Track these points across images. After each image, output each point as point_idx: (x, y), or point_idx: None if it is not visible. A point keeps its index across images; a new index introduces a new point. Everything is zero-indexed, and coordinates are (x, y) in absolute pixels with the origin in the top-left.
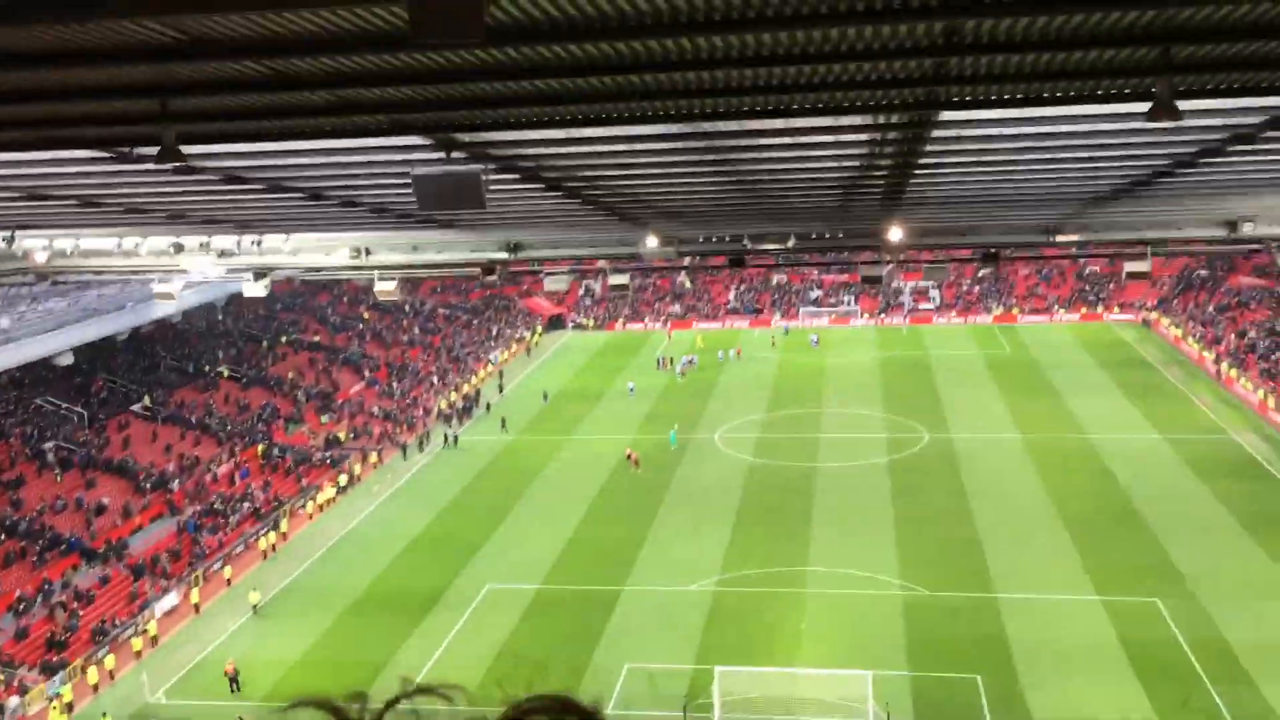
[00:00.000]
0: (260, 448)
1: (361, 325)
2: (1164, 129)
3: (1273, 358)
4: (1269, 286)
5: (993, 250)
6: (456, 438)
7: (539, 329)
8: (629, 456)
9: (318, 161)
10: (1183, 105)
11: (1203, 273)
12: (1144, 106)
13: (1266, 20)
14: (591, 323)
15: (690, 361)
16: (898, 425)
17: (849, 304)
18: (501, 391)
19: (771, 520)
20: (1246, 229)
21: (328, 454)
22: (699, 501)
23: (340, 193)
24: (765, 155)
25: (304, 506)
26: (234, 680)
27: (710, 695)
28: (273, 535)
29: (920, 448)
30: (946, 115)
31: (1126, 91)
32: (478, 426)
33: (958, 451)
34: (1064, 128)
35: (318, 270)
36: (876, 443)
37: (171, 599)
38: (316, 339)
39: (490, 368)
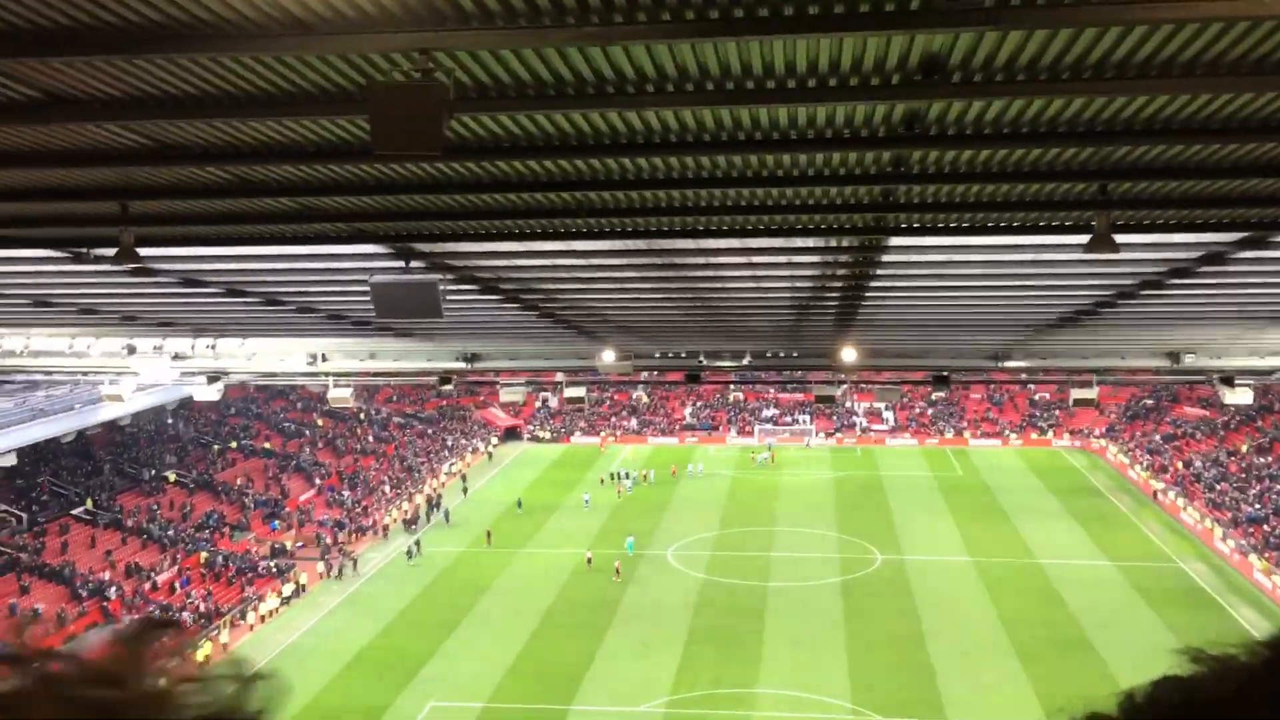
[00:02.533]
0: (203, 555)
1: (314, 432)
2: (1104, 260)
3: (1218, 488)
4: (1212, 418)
5: (944, 374)
6: (419, 544)
7: (494, 440)
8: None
9: (276, 267)
10: (1121, 239)
11: (1148, 402)
12: (1085, 238)
13: (1197, 161)
14: (548, 435)
15: (644, 477)
16: (850, 545)
17: (804, 423)
18: (466, 494)
19: (722, 640)
20: (1188, 360)
21: (273, 563)
22: (650, 619)
23: (298, 298)
24: (721, 274)
25: (245, 617)
26: None
27: None
28: (210, 647)
29: (873, 569)
30: (895, 240)
31: (1067, 224)
32: (434, 536)
33: (910, 573)
34: (1009, 256)
35: (272, 375)
36: (829, 562)
37: None
38: (267, 445)
39: (443, 479)
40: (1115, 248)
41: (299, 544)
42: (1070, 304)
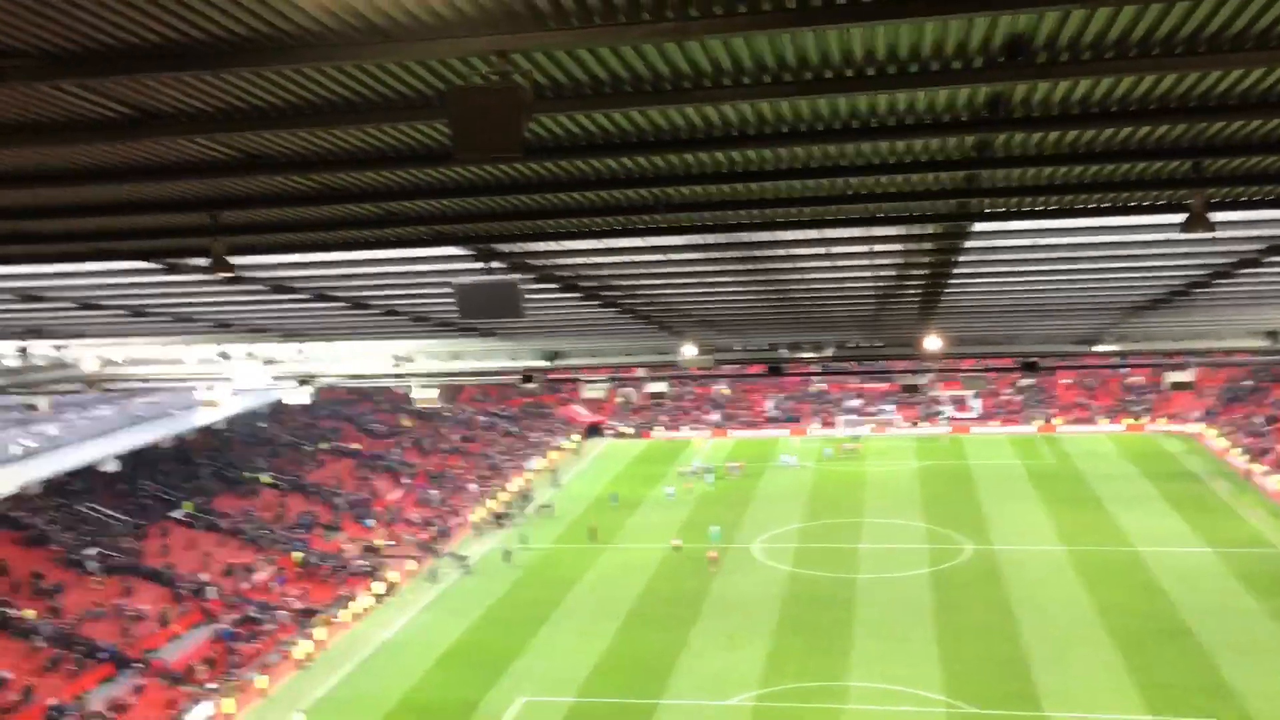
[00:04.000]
0: (298, 555)
1: (402, 433)
2: (1200, 240)
3: None
4: None
5: (1032, 360)
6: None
7: (575, 437)
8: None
9: (362, 271)
10: (1217, 217)
11: (1249, 384)
12: (1179, 217)
13: None
14: (631, 430)
15: (726, 469)
16: (939, 536)
17: (888, 412)
18: (557, 487)
19: (811, 632)
20: None
21: (365, 561)
22: (737, 612)
23: (382, 302)
24: (800, 265)
25: (338, 615)
26: None
27: None
28: (309, 644)
29: (962, 559)
30: (980, 226)
31: (1160, 203)
32: (532, 529)
33: (1001, 564)
34: (1099, 238)
35: (359, 378)
36: (918, 554)
37: (205, 709)
38: (356, 446)
39: (528, 476)
40: (1211, 227)
41: (390, 542)
42: (1163, 285)
